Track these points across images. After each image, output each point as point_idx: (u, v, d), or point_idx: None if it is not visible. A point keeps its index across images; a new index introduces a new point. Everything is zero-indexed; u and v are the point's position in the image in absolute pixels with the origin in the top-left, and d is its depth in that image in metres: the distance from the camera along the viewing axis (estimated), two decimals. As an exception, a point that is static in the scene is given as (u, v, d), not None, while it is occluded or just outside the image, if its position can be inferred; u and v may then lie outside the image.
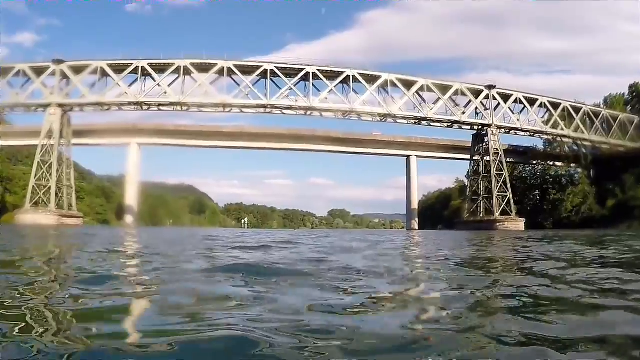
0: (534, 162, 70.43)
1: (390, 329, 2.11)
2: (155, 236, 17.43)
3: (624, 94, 70.51)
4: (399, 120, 55.60)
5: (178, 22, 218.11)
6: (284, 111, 53.49)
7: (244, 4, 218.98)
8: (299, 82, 52.20)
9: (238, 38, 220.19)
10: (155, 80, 51.29)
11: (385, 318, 2.42)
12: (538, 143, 66.68)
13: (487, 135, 55.69)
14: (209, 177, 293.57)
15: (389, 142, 65.01)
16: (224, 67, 50.98)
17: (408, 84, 53.84)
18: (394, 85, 53.41)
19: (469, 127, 57.74)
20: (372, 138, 64.08)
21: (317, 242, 12.70)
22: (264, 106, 52.14)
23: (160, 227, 62.32)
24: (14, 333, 1.96)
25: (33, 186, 49.26)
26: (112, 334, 2.08)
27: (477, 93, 55.85)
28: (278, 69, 51.59)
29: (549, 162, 68.95)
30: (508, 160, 59.52)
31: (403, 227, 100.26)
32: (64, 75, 50.92)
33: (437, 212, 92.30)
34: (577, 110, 59.92)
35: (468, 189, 59.89)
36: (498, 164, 55.14)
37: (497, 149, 55.46)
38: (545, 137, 62.69)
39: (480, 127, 56.60)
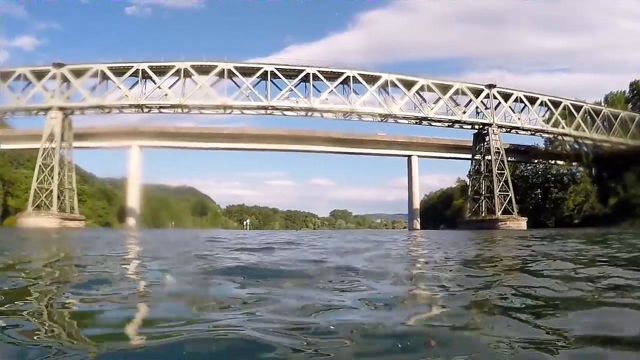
0: (536, 161, 70.36)
1: (392, 330, 2.10)
2: (157, 238, 17.44)
3: (624, 91, 70.48)
4: (399, 121, 55.62)
5: (177, 25, 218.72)
6: (285, 112, 53.53)
7: (243, 6, 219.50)
8: (300, 83, 52.28)
9: (238, 40, 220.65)
10: (155, 83, 51.39)
11: (386, 318, 2.42)
12: (539, 142, 66.82)
13: (488, 135, 55.68)
14: (210, 179, 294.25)
15: (390, 142, 65.01)
16: (224, 69, 51.06)
17: (408, 84, 53.85)
18: (394, 85, 53.43)
19: (469, 127, 57.74)
20: (372, 138, 64.11)
21: (319, 243, 12.69)
22: (265, 108, 52.19)
23: (162, 229, 62.36)
24: (14, 334, 1.96)
25: (35, 189, 49.39)
26: (113, 335, 2.08)
27: (477, 92, 55.85)
28: (278, 71, 51.65)
29: (550, 161, 68.90)
30: (509, 159, 59.52)
31: (405, 227, 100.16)
32: (65, 79, 51.06)
33: (439, 212, 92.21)
34: (577, 108, 59.85)
35: (470, 189, 59.86)
36: (499, 163, 55.11)
37: (498, 148, 55.44)
38: (546, 135, 62.63)
39: (481, 126, 56.60)
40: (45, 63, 51.94)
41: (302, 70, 51.75)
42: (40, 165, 49.94)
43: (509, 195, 54.42)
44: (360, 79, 52.79)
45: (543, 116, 59.37)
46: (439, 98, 54.51)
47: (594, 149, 64.12)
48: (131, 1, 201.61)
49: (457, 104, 56.18)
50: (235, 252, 8.21)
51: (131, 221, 59.91)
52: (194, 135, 61.35)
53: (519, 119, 57.68)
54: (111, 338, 2.04)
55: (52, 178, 49.77)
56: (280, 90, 52.06)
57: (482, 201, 56.05)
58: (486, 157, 56.13)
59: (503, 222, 51.53)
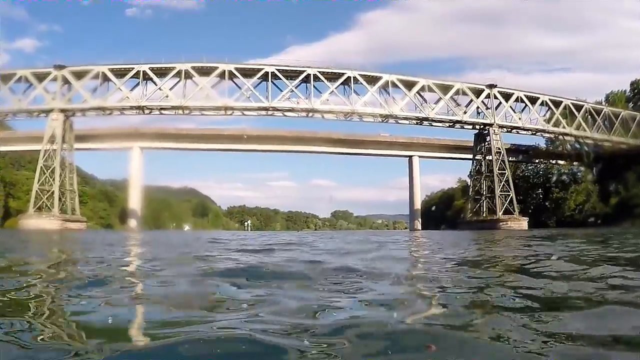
0: (536, 161, 70.30)
1: (392, 330, 2.10)
2: (159, 239, 17.45)
3: (625, 90, 70.36)
4: (400, 121, 55.62)
5: (178, 26, 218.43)
6: (286, 113, 53.55)
7: (244, 6, 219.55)
8: (300, 84, 52.31)
9: (238, 40, 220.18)
10: (156, 84, 51.45)
11: (386, 319, 2.42)
12: (540, 142, 66.72)
13: (489, 135, 55.65)
14: (211, 180, 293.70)
15: (391, 143, 64.99)
16: (225, 70, 51.11)
17: (409, 85, 53.85)
18: (395, 85, 53.43)
19: (470, 127, 57.72)
20: (373, 139, 64.11)
21: (320, 244, 12.69)
22: (266, 109, 52.22)
23: (163, 230, 62.40)
24: (14, 334, 1.97)
25: (36, 191, 49.46)
26: (113, 335, 2.08)
27: (478, 92, 55.84)
28: (279, 72, 51.68)
29: (551, 161, 68.82)
30: (510, 159, 59.44)
31: (406, 228, 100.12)
32: (66, 81, 51.15)
33: (440, 212, 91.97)
34: (578, 108, 59.77)
35: (471, 189, 59.83)
36: (500, 163, 55.08)
37: (499, 148, 55.41)
38: (547, 135, 62.57)
39: (482, 126, 56.57)
40: (46, 65, 52.03)
41: (303, 71, 51.78)
42: (41, 167, 50.03)
43: (510, 195, 54.38)
44: (361, 79, 52.81)
45: (544, 116, 59.32)
46: (440, 98, 54.50)
47: (595, 149, 64.01)
48: (131, 3, 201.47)
49: (458, 104, 56.17)
50: (235, 253, 8.21)
51: (132, 223, 59.96)
52: (195, 137, 61.39)
53: (519, 118, 57.65)
54: (111, 339, 2.04)
55: (54, 180, 49.84)
56: (281, 91, 52.13)
57: (483, 201, 56.00)
58: (487, 157, 56.10)
59: (504, 222, 51.48)
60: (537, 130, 59.63)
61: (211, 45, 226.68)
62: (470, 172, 60.60)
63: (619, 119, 61.30)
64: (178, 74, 51.16)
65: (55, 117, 50.59)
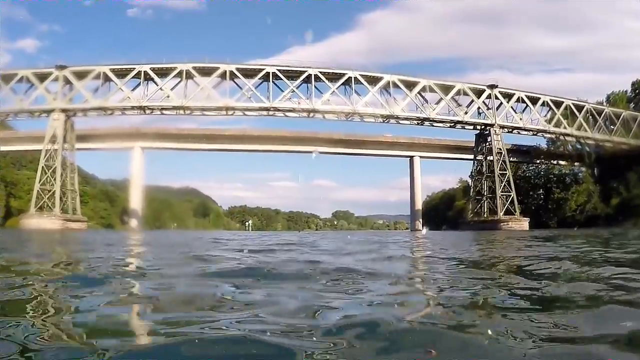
0: (538, 161, 70.23)
1: (392, 331, 2.10)
2: (160, 239, 17.46)
3: (626, 91, 70.34)
4: (401, 121, 55.66)
5: (179, 26, 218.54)
6: (287, 114, 53.61)
7: (244, 7, 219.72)
8: (301, 84, 52.38)
9: (239, 41, 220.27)
10: (157, 85, 51.56)
11: (386, 319, 2.41)
12: (541, 142, 66.68)
13: (490, 135, 55.67)
14: (212, 180, 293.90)
15: (392, 143, 64.99)
16: (226, 71, 51.18)
17: (410, 85, 53.88)
18: (395, 86, 53.47)
19: (471, 127, 57.75)
20: (374, 139, 64.13)
21: (320, 244, 12.69)
22: (267, 109, 52.28)
23: (164, 230, 62.43)
24: (14, 335, 1.97)
25: (37, 191, 49.59)
26: (113, 336, 2.08)
27: (479, 93, 55.85)
28: (280, 72, 51.73)
29: (552, 161, 68.75)
30: (511, 159, 59.45)
31: (407, 228, 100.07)
32: (67, 81, 51.26)
33: (441, 213, 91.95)
34: (579, 108, 59.76)
35: (472, 189, 59.84)
36: (501, 163, 55.07)
37: (500, 149, 55.40)
38: (548, 135, 62.57)
39: (483, 126, 56.58)
40: (47, 65, 52.21)
41: (304, 72, 51.83)
42: (42, 167, 50.14)
43: (511, 195, 54.36)
44: (361, 79, 52.85)
45: (545, 116, 59.33)
46: (441, 98, 54.53)
47: (596, 149, 63.96)
48: (132, 3, 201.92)
49: (459, 105, 56.20)
50: (236, 253, 8.22)
51: (133, 222, 60.04)
52: (196, 137, 61.44)
53: (520, 119, 57.65)
54: (111, 339, 2.04)
55: (55, 179, 49.95)
56: (282, 91, 52.18)
57: (484, 202, 56.00)
58: (488, 158, 56.09)
59: (505, 223, 51.49)
60: (538, 131, 59.62)
61: (212, 45, 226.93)
62: (471, 172, 60.61)
63: (620, 119, 61.27)
64: (179, 74, 51.24)
65: (56, 117, 50.70)
